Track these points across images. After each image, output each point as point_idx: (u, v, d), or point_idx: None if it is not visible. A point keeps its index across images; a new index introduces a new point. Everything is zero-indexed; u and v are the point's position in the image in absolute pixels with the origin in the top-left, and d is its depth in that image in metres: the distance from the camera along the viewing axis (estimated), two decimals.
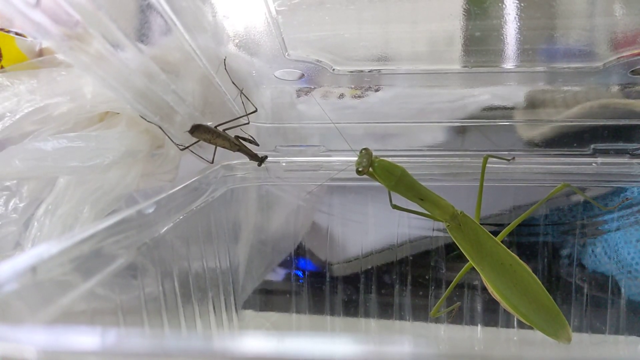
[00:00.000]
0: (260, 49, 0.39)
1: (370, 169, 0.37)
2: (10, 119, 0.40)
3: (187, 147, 0.43)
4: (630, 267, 0.44)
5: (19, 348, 0.16)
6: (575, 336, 0.42)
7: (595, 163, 0.43)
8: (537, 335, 0.46)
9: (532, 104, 0.43)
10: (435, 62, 0.40)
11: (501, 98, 0.43)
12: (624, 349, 0.45)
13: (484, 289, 0.43)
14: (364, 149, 0.37)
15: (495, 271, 0.37)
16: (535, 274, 0.37)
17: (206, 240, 0.44)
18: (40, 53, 0.48)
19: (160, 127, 0.40)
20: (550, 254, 0.47)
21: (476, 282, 0.48)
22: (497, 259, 0.37)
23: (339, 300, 0.51)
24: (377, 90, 0.44)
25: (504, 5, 0.34)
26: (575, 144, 0.43)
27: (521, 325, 0.47)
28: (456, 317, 0.48)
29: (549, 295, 0.37)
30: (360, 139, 0.47)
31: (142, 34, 0.34)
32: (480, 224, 0.38)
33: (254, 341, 0.17)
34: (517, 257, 0.38)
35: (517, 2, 0.34)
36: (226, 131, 0.43)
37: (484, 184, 0.39)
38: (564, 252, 0.47)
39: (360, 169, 0.37)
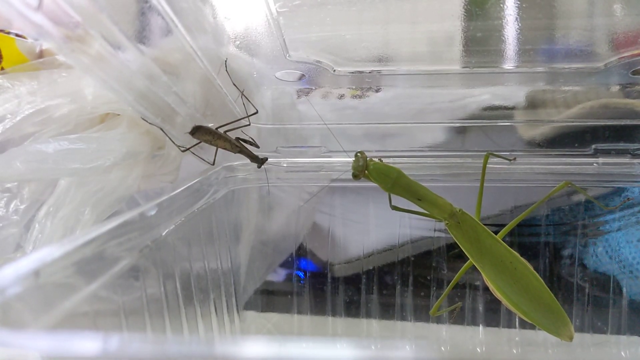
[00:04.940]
0: (261, 50, 0.39)
1: (367, 172, 0.37)
2: (10, 120, 0.40)
3: (188, 149, 0.43)
4: (632, 267, 0.44)
5: (22, 353, 0.16)
6: (577, 336, 0.42)
7: (597, 163, 0.43)
8: (539, 335, 0.46)
9: (533, 104, 0.43)
10: (436, 62, 0.40)
11: (502, 98, 0.43)
12: (626, 349, 0.45)
13: (486, 289, 0.43)
14: (359, 152, 0.37)
15: (496, 269, 0.37)
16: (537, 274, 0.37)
17: (207, 242, 0.44)
18: (41, 54, 0.48)
19: (161, 129, 0.40)
20: (551, 254, 0.47)
21: (477, 283, 0.48)
22: (497, 257, 0.37)
23: (341, 300, 0.51)
24: (377, 91, 0.44)
25: (505, 6, 0.34)
26: (576, 144, 0.43)
27: (523, 325, 0.47)
28: (458, 318, 0.48)
29: (550, 292, 0.37)
30: (360, 140, 0.47)
31: (143, 36, 0.34)
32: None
33: (255, 346, 0.17)
34: (518, 255, 0.38)
35: (518, 2, 0.34)
36: (227, 132, 0.43)
37: (485, 184, 0.39)
38: (566, 252, 0.47)
39: (356, 174, 0.37)
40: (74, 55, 0.31)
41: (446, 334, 0.49)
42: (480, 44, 0.37)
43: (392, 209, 0.39)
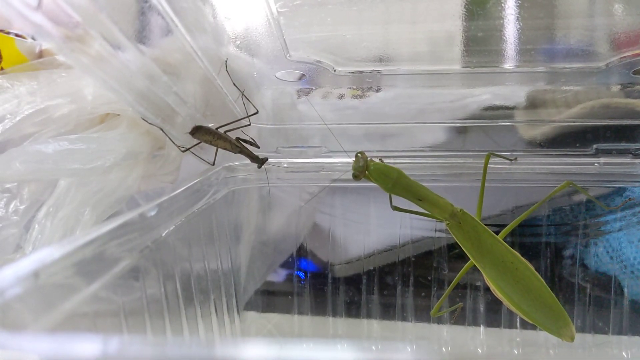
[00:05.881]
0: (262, 50, 0.39)
1: (367, 172, 0.37)
2: (10, 120, 0.40)
3: (188, 149, 0.43)
4: (633, 267, 0.44)
5: (21, 356, 0.16)
6: (578, 337, 0.41)
7: (598, 163, 0.42)
8: (540, 336, 0.46)
9: (534, 103, 0.43)
10: (436, 62, 0.40)
11: (502, 98, 0.43)
12: (627, 350, 0.45)
13: (487, 289, 0.43)
14: (359, 152, 0.37)
15: (496, 269, 0.37)
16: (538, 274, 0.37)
17: (208, 242, 0.44)
18: (41, 54, 0.48)
19: (161, 129, 0.40)
20: (552, 254, 0.47)
21: (479, 283, 0.48)
22: (498, 257, 0.37)
23: (341, 301, 0.51)
24: (377, 91, 0.44)
25: (506, 6, 0.34)
26: (577, 144, 0.43)
27: (524, 326, 0.47)
28: (459, 318, 0.48)
29: (551, 292, 0.37)
30: (360, 140, 0.47)
31: (143, 36, 0.34)
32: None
33: (255, 348, 0.17)
34: (519, 255, 0.38)
35: (519, 2, 0.34)
36: (227, 133, 0.43)
37: (486, 184, 0.39)
38: (567, 252, 0.47)
39: (356, 174, 0.37)
40: (73, 55, 0.31)
41: (447, 334, 0.49)
42: (480, 43, 0.37)
43: (393, 210, 0.39)
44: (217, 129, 0.42)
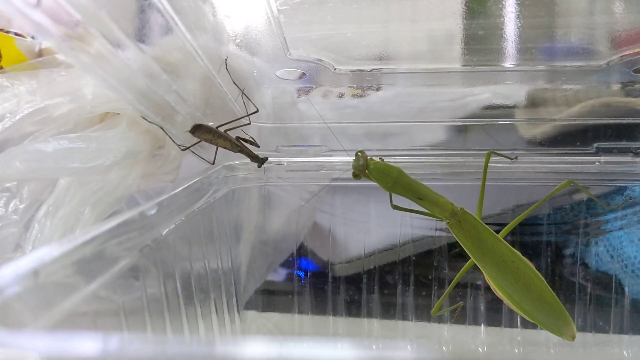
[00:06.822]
0: (262, 48, 0.39)
1: (367, 171, 0.37)
2: (10, 120, 0.40)
3: (188, 148, 0.43)
4: (634, 267, 0.44)
5: (21, 354, 0.16)
6: (579, 336, 0.41)
7: (599, 162, 0.42)
8: (541, 335, 0.46)
9: (534, 102, 0.43)
10: (437, 61, 0.40)
11: (503, 97, 0.43)
12: (628, 349, 0.45)
13: (487, 288, 0.43)
14: (359, 151, 0.37)
15: (497, 268, 0.37)
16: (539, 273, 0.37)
17: (208, 241, 0.44)
18: (40, 53, 0.48)
19: (161, 128, 0.40)
20: (553, 253, 0.47)
21: (479, 282, 0.48)
22: (499, 256, 0.37)
23: (342, 300, 0.51)
24: (378, 90, 0.44)
25: (506, 4, 0.34)
26: (578, 143, 0.43)
27: (525, 325, 0.47)
28: (459, 317, 0.48)
29: (552, 292, 0.37)
30: (361, 139, 0.47)
31: (143, 34, 0.34)
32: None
33: (256, 346, 0.17)
34: (520, 254, 0.38)
35: (519, 0, 0.34)
36: (227, 132, 0.43)
37: (486, 183, 0.39)
38: (567, 251, 0.47)
39: (356, 173, 0.37)
40: (73, 53, 0.30)
41: (448, 333, 0.49)
42: (481, 42, 0.37)
43: (393, 209, 0.39)
44: (217, 127, 0.42)
